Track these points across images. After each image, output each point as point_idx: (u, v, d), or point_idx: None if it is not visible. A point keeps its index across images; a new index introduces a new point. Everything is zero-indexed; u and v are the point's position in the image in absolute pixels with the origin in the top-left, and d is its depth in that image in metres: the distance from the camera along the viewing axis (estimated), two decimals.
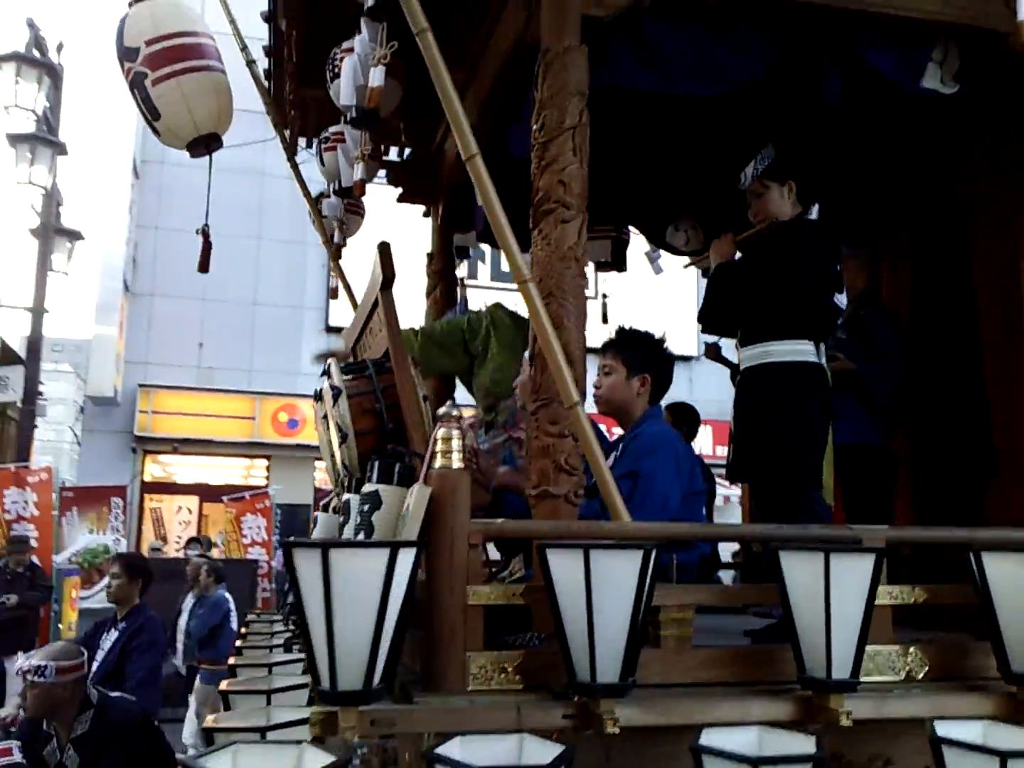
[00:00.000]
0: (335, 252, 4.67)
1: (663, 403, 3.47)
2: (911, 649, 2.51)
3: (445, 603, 2.22)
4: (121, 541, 12.00)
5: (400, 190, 5.16)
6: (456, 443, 2.30)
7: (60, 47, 11.58)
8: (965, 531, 2.67)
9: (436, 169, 4.97)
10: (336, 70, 3.53)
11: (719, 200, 4.70)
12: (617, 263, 5.32)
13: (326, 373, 2.98)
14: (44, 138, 11.37)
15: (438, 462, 2.28)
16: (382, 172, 5.02)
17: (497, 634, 2.35)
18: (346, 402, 2.77)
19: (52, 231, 11.65)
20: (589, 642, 2.06)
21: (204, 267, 4.30)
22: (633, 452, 2.96)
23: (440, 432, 2.30)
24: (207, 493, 15.89)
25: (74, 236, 12.13)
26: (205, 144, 3.98)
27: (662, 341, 3.26)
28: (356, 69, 3.30)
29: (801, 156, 3.65)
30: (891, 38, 3.19)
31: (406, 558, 1.95)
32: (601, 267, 5.40)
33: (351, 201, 4.53)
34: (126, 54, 3.82)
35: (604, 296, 5.58)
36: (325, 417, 3.02)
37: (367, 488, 2.37)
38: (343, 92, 3.38)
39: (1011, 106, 3.50)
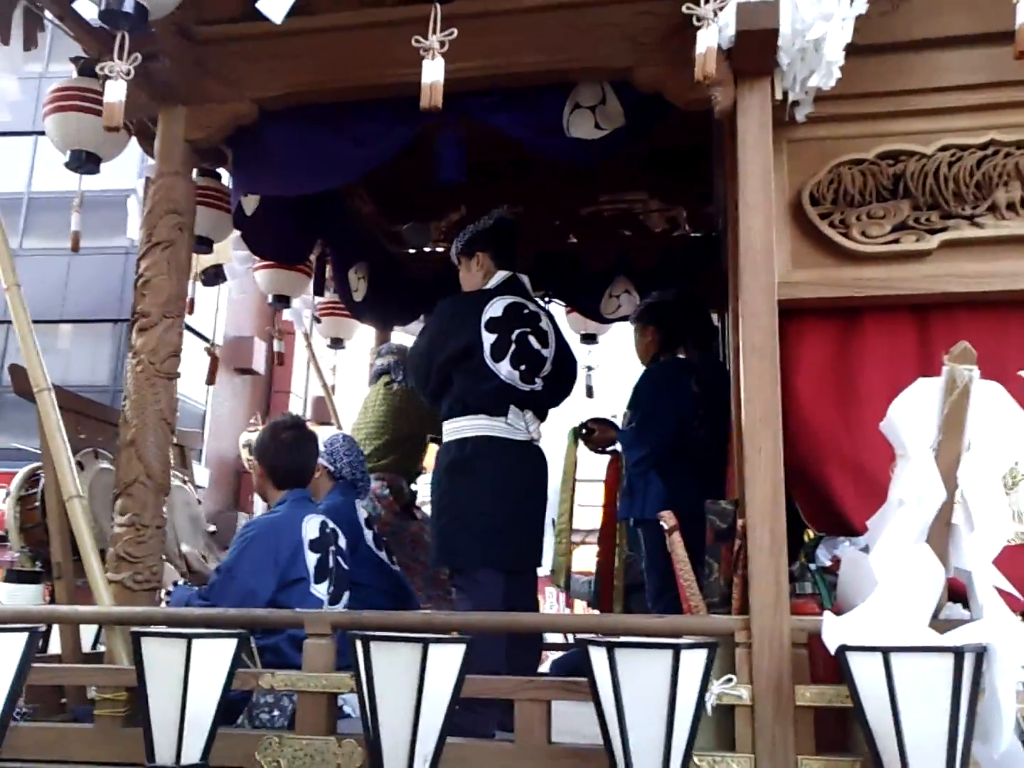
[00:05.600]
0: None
1: None
2: None
3: None
4: None
5: None
6: None
7: None
8: None
9: None
10: None
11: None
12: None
13: None
14: None
15: None
16: None
17: None
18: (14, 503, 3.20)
19: None
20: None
21: None
22: (232, 544, 3.04)
23: None
24: None
25: None
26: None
27: (275, 427, 3.28)
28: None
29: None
30: (513, 98, 3.06)
31: None
32: (585, 339, 5.42)
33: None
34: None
35: (588, 368, 5.47)
36: None
37: None
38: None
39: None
